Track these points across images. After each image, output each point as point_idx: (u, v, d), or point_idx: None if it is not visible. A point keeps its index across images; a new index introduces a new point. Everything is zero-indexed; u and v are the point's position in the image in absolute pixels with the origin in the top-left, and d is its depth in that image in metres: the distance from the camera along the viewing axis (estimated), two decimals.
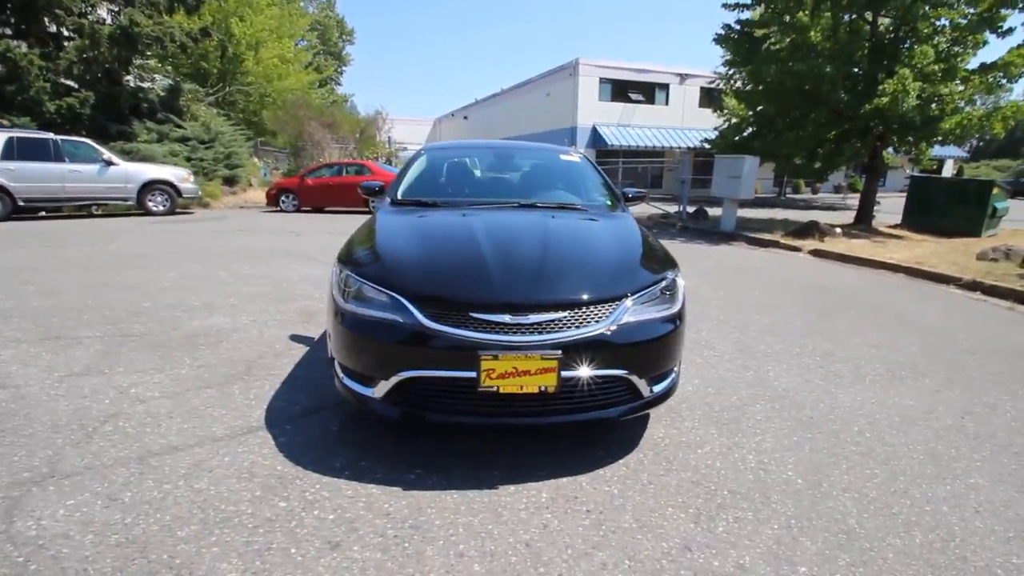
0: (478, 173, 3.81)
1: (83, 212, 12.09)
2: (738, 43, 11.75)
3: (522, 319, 1.99)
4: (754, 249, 9.32)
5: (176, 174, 12.84)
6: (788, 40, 9.90)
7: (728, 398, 3.01)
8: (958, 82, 9.24)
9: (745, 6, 11.47)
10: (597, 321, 2.05)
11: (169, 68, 18.71)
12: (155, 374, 3.16)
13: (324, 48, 39.11)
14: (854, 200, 23.42)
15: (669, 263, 2.49)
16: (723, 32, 11.94)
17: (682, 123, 27.00)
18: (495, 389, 1.95)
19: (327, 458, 2.28)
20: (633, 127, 26.20)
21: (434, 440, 2.42)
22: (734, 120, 20.49)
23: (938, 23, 9.16)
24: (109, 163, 11.61)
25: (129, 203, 12.21)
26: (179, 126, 16.40)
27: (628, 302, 2.13)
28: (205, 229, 10.04)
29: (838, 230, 9.89)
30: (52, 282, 5.31)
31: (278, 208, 14.41)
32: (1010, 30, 8.93)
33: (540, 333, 1.99)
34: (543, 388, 1.96)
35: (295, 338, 3.83)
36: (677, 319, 2.26)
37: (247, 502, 1.97)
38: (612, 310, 2.10)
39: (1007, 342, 4.25)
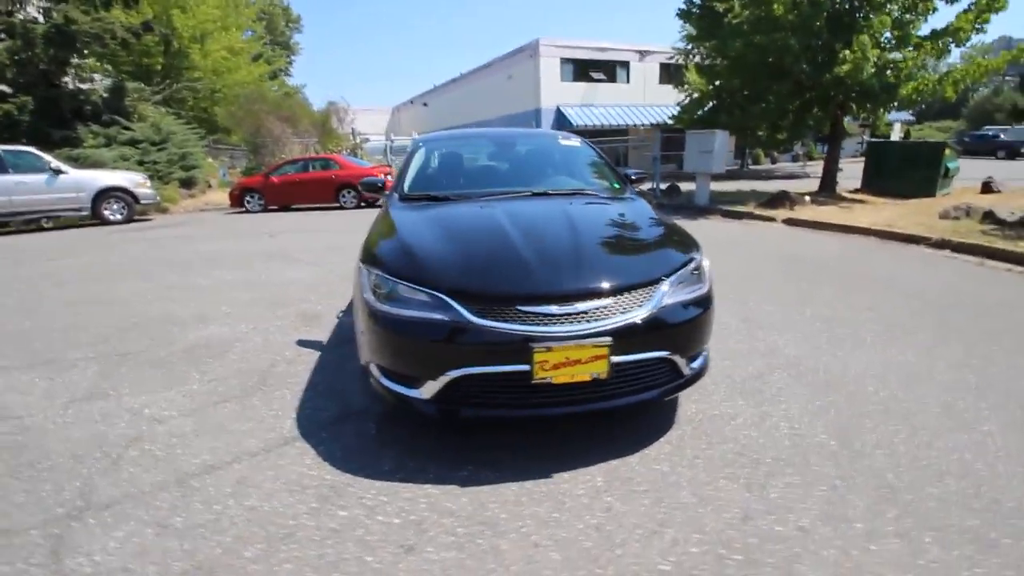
0: (482, 163, 3.77)
1: (32, 227, 11.37)
2: (700, 18, 11.87)
3: (569, 308, 2.00)
4: (730, 222, 9.56)
5: (132, 179, 12.20)
6: (748, 13, 10.05)
7: (745, 369, 3.11)
8: (911, 48, 9.60)
9: None
10: (640, 305, 2.08)
11: (109, 67, 17.61)
12: (165, 392, 3.04)
13: (272, 38, 37.51)
14: (813, 168, 24.24)
15: (693, 243, 2.54)
16: (685, 7, 12.02)
17: (644, 100, 27.21)
18: (549, 380, 1.97)
19: (374, 463, 2.25)
20: (596, 106, 26.25)
21: (475, 436, 2.42)
22: (695, 95, 20.86)
23: None
24: (58, 172, 10.93)
25: (83, 213, 11.55)
26: (127, 128, 15.52)
27: (665, 285, 2.17)
28: (171, 236, 9.61)
29: (807, 198, 10.24)
30: (23, 302, 5.01)
31: (243, 209, 13.89)
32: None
33: (587, 321, 2.00)
34: (595, 375, 1.99)
35: (303, 343, 3.74)
36: (709, 298, 2.32)
37: (306, 515, 1.94)
38: (652, 293, 2.13)
39: (985, 296, 4.52)
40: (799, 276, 5.31)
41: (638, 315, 2.05)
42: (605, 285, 2.06)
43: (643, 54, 27.02)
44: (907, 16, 9.60)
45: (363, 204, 13.66)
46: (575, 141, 3.90)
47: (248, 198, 13.87)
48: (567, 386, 2.01)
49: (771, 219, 9.14)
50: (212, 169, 18.06)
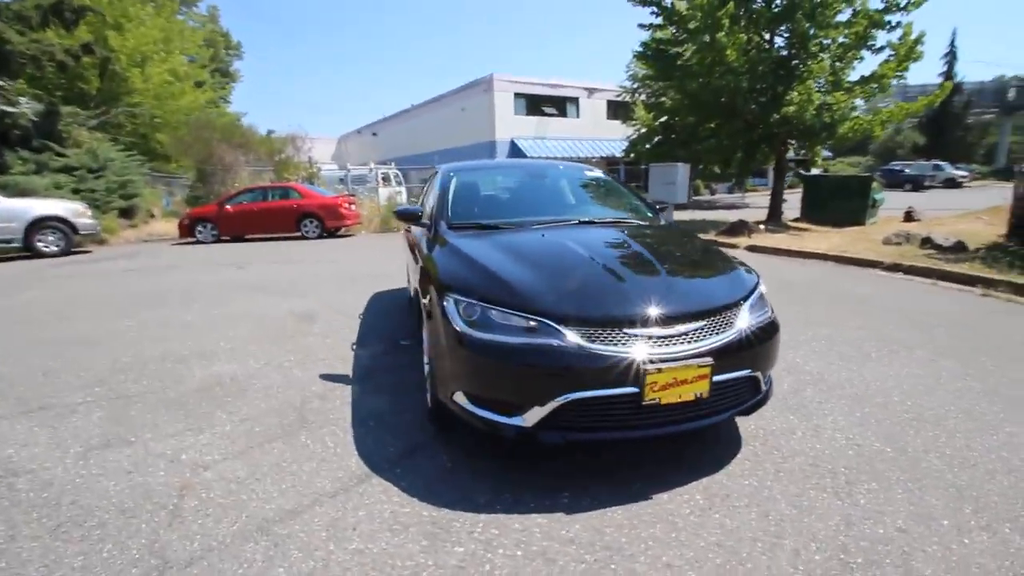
0: (518, 193, 3.82)
1: None
2: (656, 59, 12.69)
3: (671, 331, 2.08)
4: None
5: (70, 209, 11.32)
6: (699, 56, 10.89)
7: (780, 385, 3.29)
8: (843, 92, 10.71)
9: (659, 27, 12.45)
10: (730, 326, 2.20)
11: (39, 91, 16.41)
12: (195, 435, 2.82)
13: (213, 65, 36.32)
14: (750, 198, 26.09)
15: (751, 269, 2.70)
16: (642, 50, 12.85)
17: (593, 134, 28.48)
18: (657, 401, 2.02)
19: (467, 495, 2.19)
20: (549, 139, 27.18)
21: (554, 462, 2.41)
22: (643, 130, 22.08)
23: (824, 42, 10.59)
24: None
25: (13, 244, 10.55)
26: (60, 154, 14.45)
27: (745, 307, 2.30)
28: (123, 268, 8.94)
29: (762, 227, 11.01)
30: None
31: (194, 239, 13.16)
32: (881, 48, 10.55)
33: (688, 342, 2.08)
34: (698, 394, 2.06)
35: (328, 378, 3.59)
36: (775, 320, 2.47)
37: (422, 554, 1.85)
38: (737, 315, 2.25)
39: (958, 313, 5.01)
40: (788, 298, 5.68)
41: (730, 335, 2.16)
42: (700, 308, 2.17)
43: (591, 91, 28.41)
44: (838, 64, 10.74)
45: (326, 234, 13.32)
46: (599, 172, 4.06)
47: (200, 228, 13.17)
48: (669, 406, 2.06)
49: (734, 246, 9.73)
50: (155, 198, 17.03)
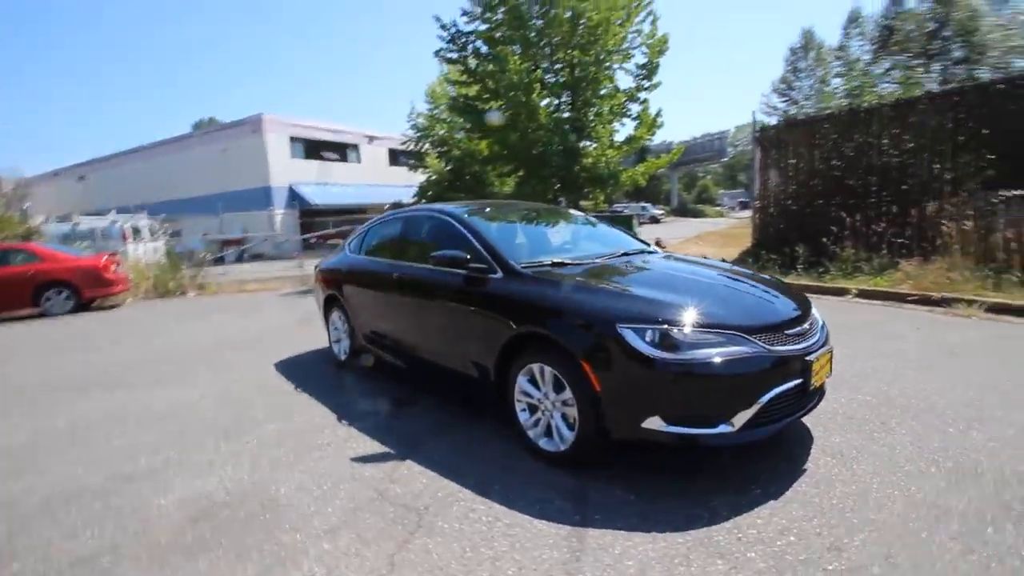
0: (551, 233, 3.89)
1: None
2: (464, 112, 13.75)
3: (800, 329, 2.58)
4: None
5: None
6: (513, 113, 12.35)
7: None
8: (614, 150, 13.47)
9: (465, 84, 13.58)
10: (821, 326, 2.81)
11: None
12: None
13: None
14: None
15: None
16: (453, 102, 13.79)
17: (376, 180, 28.40)
18: (814, 385, 2.48)
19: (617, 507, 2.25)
20: (332, 185, 26.04)
21: (629, 479, 2.60)
22: (433, 177, 23.18)
23: (600, 110, 13.20)
24: None
25: None
26: None
27: (815, 310, 2.97)
28: None
29: None
30: None
31: None
32: (635, 117, 13.64)
33: (812, 337, 2.61)
34: (827, 377, 2.60)
35: (360, 460, 3.00)
36: None
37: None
38: (816, 316, 2.89)
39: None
40: None
41: (824, 332, 2.78)
42: (808, 309, 2.73)
43: (372, 138, 28.45)
44: (607, 127, 13.50)
45: (83, 305, 10.08)
46: (579, 213, 4.42)
47: None
48: (814, 390, 2.55)
49: None
50: None
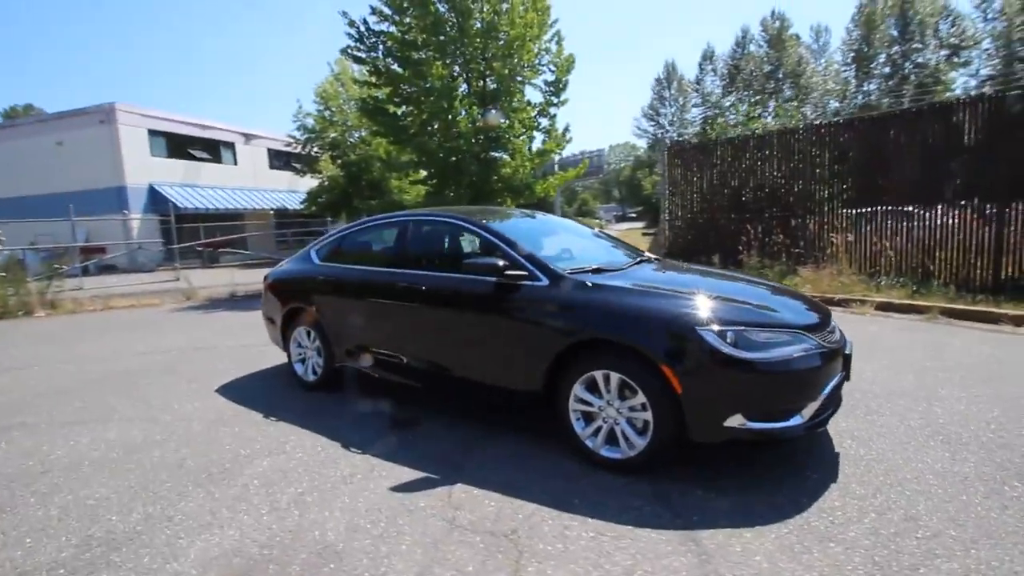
0: (565, 241, 3.80)
1: None
2: (375, 115, 13.17)
3: (833, 327, 2.86)
4: None
5: None
6: (428, 119, 12.13)
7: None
8: (528, 161, 13.85)
9: (376, 85, 13.03)
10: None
11: None
12: None
13: None
14: None
15: None
16: (363, 104, 13.12)
17: (255, 183, 25.88)
18: (847, 378, 2.77)
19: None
20: (202, 187, 23.16)
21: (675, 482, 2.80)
22: (326, 182, 21.81)
23: (513, 123, 13.50)
24: None
25: None
26: None
27: None
28: None
29: None
30: None
31: None
32: (544, 130, 14.15)
33: (837, 334, 2.91)
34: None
35: (403, 490, 2.71)
36: None
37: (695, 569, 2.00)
38: None
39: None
40: None
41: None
42: (828, 313, 3.03)
43: (249, 137, 25.87)
44: (523, 139, 13.86)
45: None
46: (568, 220, 4.43)
47: None
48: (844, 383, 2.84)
49: None
50: None
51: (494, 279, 3.06)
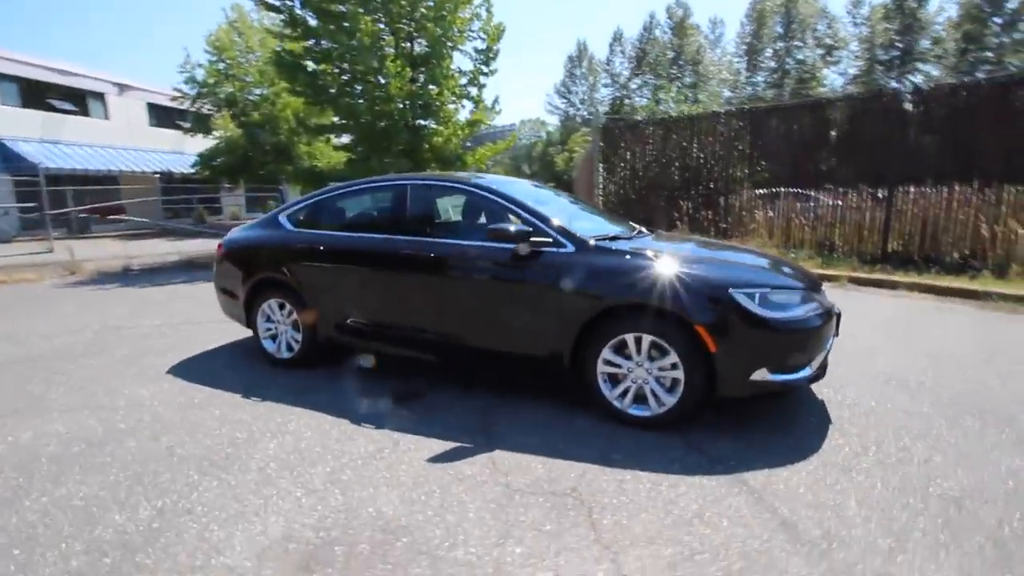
0: (572, 210, 3.78)
1: None
2: (291, 71, 12.05)
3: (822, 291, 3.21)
4: None
5: None
6: (357, 81, 11.38)
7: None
8: (459, 130, 13.53)
9: (292, 38, 11.90)
10: None
11: None
12: None
13: None
14: None
15: None
16: (279, 59, 11.92)
17: (132, 142, 22.61)
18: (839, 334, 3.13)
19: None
20: (67, 144, 19.82)
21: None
22: (222, 144, 19.68)
23: (444, 90, 13.03)
24: None
25: None
26: None
27: None
28: None
29: None
30: None
31: None
32: (473, 99, 13.82)
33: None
34: None
35: (441, 460, 2.66)
36: None
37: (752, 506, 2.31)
38: None
39: None
40: None
41: None
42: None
43: (123, 88, 22.41)
44: (454, 108, 13.47)
45: None
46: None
47: None
48: None
49: None
50: None
51: (515, 246, 3.02)
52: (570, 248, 2.99)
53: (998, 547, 1.91)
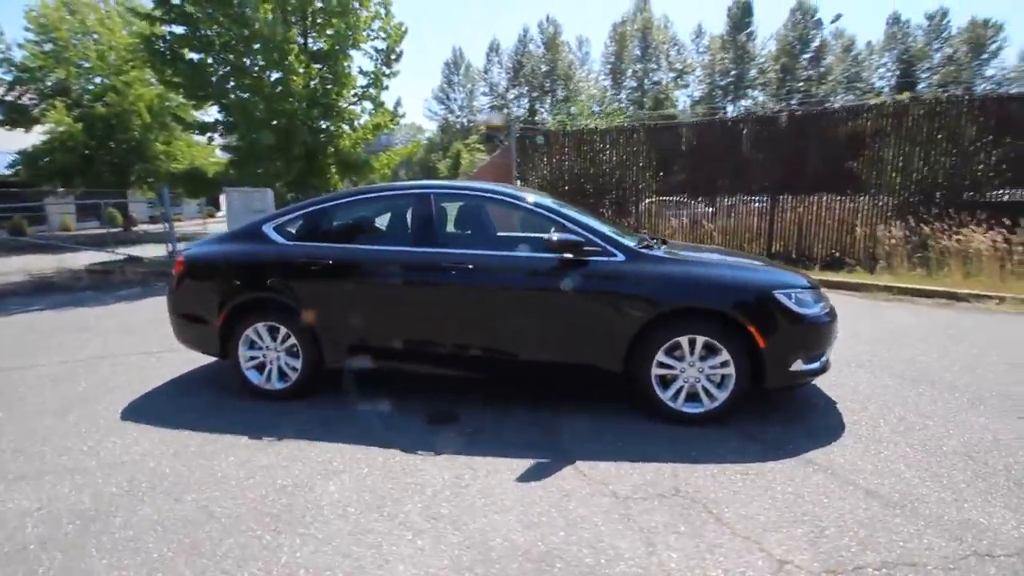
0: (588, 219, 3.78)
1: None
2: (169, 61, 10.52)
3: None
4: None
5: None
6: (255, 78, 10.32)
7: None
8: (363, 134, 12.87)
9: (162, 20, 10.41)
10: None
11: None
12: None
13: None
14: (210, 225, 23.94)
15: None
16: (150, 45, 10.28)
17: None
18: None
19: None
20: None
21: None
22: (55, 142, 16.47)
23: (346, 91, 12.30)
24: None
25: None
26: None
27: None
28: None
29: None
30: None
31: None
32: (374, 101, 13.22)
33: None
34: None
35: (531, 479, 2.60)
36: None
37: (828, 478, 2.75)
38: None
39: None
40: None
41: None
42: None
43: None
44: (356, 109, 12.78)
45: None
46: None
47: None
48: None
49: None
50: None
51: (564, 256, 3.05)
52: (620, 257, 3.10)
53: (1019, 485, 2.42)
